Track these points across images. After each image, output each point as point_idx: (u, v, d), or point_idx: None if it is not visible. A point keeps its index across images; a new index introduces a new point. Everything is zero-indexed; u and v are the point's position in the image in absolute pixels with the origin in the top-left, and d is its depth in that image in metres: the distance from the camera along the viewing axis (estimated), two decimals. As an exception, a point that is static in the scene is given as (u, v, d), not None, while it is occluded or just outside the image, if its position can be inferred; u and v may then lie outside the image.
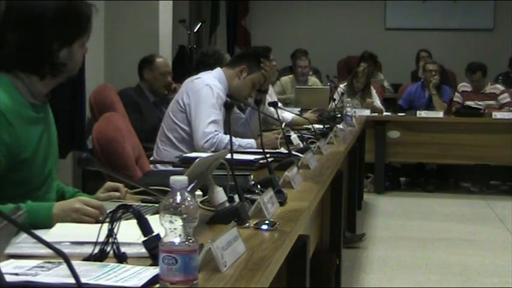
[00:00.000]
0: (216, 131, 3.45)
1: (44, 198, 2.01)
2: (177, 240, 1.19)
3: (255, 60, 3.68)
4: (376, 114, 7.22)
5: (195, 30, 8.91)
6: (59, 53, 1.96)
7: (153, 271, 1.28)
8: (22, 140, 1.91)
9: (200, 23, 9.23)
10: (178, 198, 1.21)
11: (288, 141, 3.27)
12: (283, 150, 3.24)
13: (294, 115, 5.19)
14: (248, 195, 2.03)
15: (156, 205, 1.96)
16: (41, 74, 1.97)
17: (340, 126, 4.99)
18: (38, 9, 1.94)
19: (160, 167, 3.54)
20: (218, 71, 3.68)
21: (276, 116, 3.51)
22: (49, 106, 2.13)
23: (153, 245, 1.39)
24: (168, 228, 1.20)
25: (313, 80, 7.90)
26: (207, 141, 3.43)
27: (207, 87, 3.55)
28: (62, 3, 1.97)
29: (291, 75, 7.72)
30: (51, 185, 2.10)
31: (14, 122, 1.89)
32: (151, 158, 3.70)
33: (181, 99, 3.61)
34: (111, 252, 1.42)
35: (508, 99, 7.41)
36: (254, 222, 1.79)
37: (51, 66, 1.96)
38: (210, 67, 3.92)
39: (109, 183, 2.19)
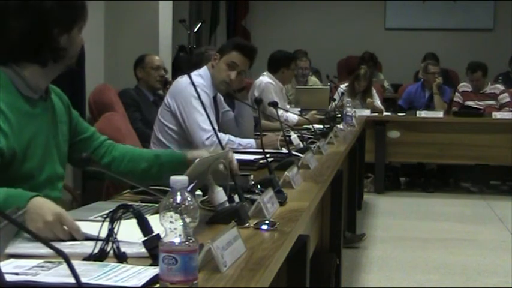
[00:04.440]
0: (213, 128, 3.46)
1: (51, 197, 2.00)
2: (177, 240, 1.19)
3: (225, 46, 3.72)
4: (376, 114, 7.22)
5: (195, 30, 8.91)
6: (60, 38, 1.97)
7: (153, 271, 1.28)
8: (15, 130, 1.90)
9: (200, 23, 9.23)
10: (179, 198, 1.21)
11: (288, 141, 3.27)
12: (283, 150, 3.24)
13: (298, 117, 5.22)
14: (248, 195, 2.03)
15: (156, 205, 1.96)
16: (42, 62, 1.97)
17: (340, 126, 5.00)
18: None
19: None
20: (204, 69, 3.70)
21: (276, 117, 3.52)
22: (53, 105, 2.11)
23: (153, 245, 1.39)
24: (168, 228, 1.20)
25: (313, 80, 7.90)
26: (208, 137, 3.43)
27: (191, 85, 3.56)
28: None
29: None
30: (56, 185, 2.09)
31: (6, 112, 1.88)
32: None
33: (166, 99, 3.64)
34: (111, 252, 1.42)
35: (508, 99, 7.41)
36: (254, 222, 1.79)
37: (53, 52, 1.96)
38: (197, 67, 3.93)
39: None
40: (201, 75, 3.64)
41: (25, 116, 1.95)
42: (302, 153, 3.05)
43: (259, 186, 2.19)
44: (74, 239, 1.61)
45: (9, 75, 1.96)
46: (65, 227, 1.62)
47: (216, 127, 3.50)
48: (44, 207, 1.64)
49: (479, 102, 7.43)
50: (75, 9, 2.00)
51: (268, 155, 2.58)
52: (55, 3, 1.96)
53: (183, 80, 3.63)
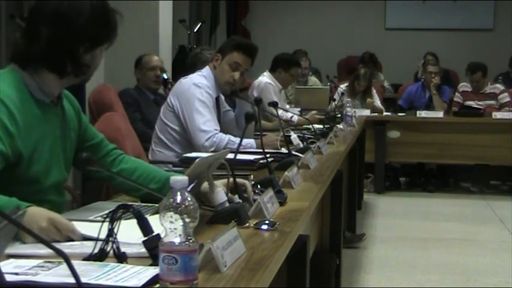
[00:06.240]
0: (215, 129, 3.47)
1: (56, 202, 2.00)
2: (177, 240, 1.19)
3: (225, 46, 3.71)
4: (376, 114, 7.22)
5: (195, 30, 8.92)
6: (85, 55, 1.96)
7: (153, 271, 1.28)
8: (22, 132, 1.90)
9: (200, 23, 9.23)
10: (179, 198, 1.21)
11: (288, 141, 3.27)
12: (283, 150, 3.24)
13: (297, 117, 5.22)
14: (248, 195, 2.03)
15: (156, 205, 1.96)
16: (62, 74, 1.96)
17: (340, 126, 4.99)
18: (75, 10, 1.94)
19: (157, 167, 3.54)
20: (206, 69, 3.70)
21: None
22: (64, 111, 2.10)
23: (153, 245, 1.39)
24: (168, 228, 1.20)
25: (313, 80, 7.90)
26: (208, 139, 3.44)
27: (194, 86, 3.56)
28: (97, 7, 1.97)
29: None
30: (61, 190, 2.09)
31: (16, 114, 1.88)
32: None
33: (169, 99, 3.64)
34: (111, 252, 1.42)
35: (508, 99, 7.42)
36: (254, 222, 1.79)
37: (76, 68, 1.96)
38: (194, 68, 3.93)
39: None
40: (204, 76, 3.64)
41: (34, 119, 1.94)
42: (302, 153, 3.05)
43: (259, 186, 2.19)
44: (72, 240, 1.61)
45: (23, 77, 1.95)
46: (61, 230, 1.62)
47: (219, 128, 3.51)
48: (36, 214, 1.63)
49: (479, 102, 7.43)
50: (107, 30, 1.99)
51: (268, 155, 2.58)
52: (90, 21, 1.94)
53: (187, 80, 3.63)
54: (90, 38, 1.95)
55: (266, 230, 1.75)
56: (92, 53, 1.98)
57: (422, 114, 7.06)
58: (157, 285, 1.21)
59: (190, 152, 3.30)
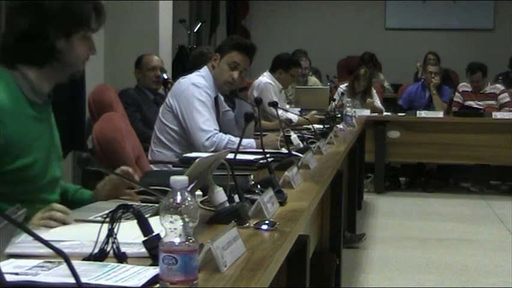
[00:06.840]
0: (215, 129, 3.47)
1: (50, 200, 2.00)
2: (177, 240, 1.19)
3: (224, 45, 3.71)
4: (376, 114, 7.22)
5: (195, 30, 8.93)
6: (56, 40, 1.96)
7: (153, 271, 1.28)
8: (18, 135, 1.90)
9: (200, 23, 9.24)
10: (179, 198, 1.21)
11: (288, 141, 3.27)
12: (283, 150, 3.24)
13: (297, 117, 5.22)
14: (248, 195, 2.02)
15: (156, 205, 1.96)
16: (36, 61, 1.97)
17: (340, 126, 4.99)
18: None
19: (156, 167, 3.55)
20: (205, 69, 3.70)
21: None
22: (51, 108, 2.12)
23: (153, 245, 1.39)
24: (168, 228, 1.20)
25: (313, 80, 7.90)
26: (208, 138, 3.44)
27: (193, 86, 3.57)
28: None
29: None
30: (55, 188, 2.09)
31: (6, 120, 1.88)
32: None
33: (168, 100, 3.64)
34: (111, 252, 1.42)
35: (508, 99, 7.42)
36: (254, 222, 1.78)
37: (47, 53, 1.96)
38: (197, 68, 3.93)
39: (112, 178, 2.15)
40: (203, 76, 3.64)
41: (29, 121, 1.95)
42: (302, 153, 3.05)
43: (259, 186, 2.19)
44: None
45: (17, 79, 1.96)
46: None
47: (218, 128, 3.52)
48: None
49: (479, 102, 7.43)
50: (77, 15, 1.99)
51: (268, 155, 2.58)
52: (58, 5, 1.96)
53: (185, 80, 3.63)
54: (57, 22, 1.96)
55: (266, 230, 1.75)
56: (67, 39, 1.98)
57: (422, 114, 7.06)
58: (157, 285, 1.21)
59: (190, 152, 3.30)
